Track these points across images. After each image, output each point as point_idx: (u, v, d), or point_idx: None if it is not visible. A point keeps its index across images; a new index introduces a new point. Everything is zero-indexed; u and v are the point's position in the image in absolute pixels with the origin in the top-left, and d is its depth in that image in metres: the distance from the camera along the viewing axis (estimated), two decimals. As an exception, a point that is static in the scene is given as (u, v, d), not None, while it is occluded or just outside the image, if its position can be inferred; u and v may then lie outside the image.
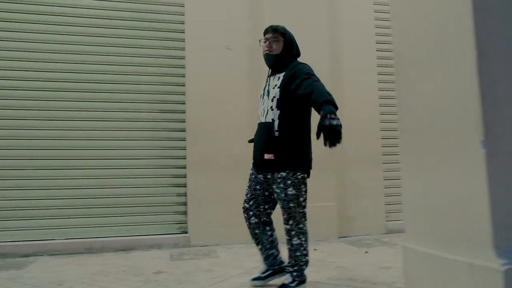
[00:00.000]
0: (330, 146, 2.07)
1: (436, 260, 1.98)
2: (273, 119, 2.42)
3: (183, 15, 4.61)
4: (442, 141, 1.98)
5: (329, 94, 2.21)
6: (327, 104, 2.14)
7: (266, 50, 2.54)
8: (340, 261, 3.54)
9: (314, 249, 4.06)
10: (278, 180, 2.43)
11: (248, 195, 2.62)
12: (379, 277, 2.95)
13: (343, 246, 4.22)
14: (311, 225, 4.62)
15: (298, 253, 2.48)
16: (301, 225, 2.48)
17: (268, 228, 2.66)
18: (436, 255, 1.99)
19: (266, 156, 2.42)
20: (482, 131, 1.72)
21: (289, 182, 2.40)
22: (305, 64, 2.54)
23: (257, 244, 2.68)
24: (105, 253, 4.05)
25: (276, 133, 2.40)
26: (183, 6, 4.61)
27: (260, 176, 2.55)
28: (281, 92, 2.42)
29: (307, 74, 2.39)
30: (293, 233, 2.45)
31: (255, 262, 3.43)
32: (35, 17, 4.26)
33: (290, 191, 2.40)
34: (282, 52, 2.54)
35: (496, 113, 1.74)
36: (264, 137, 2.45)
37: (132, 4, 4.51)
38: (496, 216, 1.66)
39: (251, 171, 2.65)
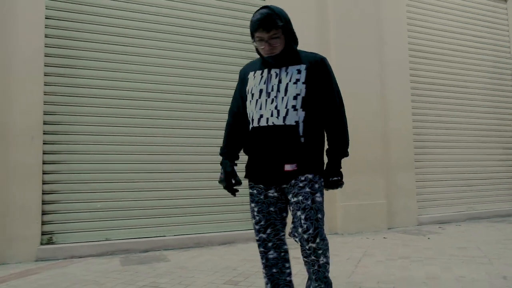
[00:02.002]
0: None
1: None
2: (296, 122, 1.92)
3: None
4: None
5: (348, 142, 2.08)
6: (338, 159, 2.04)
7: (268, 53, 1.97)
8: (422, 244, 4.48)
9: (384, 237, 4.97)
10: (301, 184, 1.91)
11: (262, 223, 2.04)
12: (471, 253, 3.94)
13: (400, 235, 5.18)
14: (366, 219, 5.67)
15: (327, 274, 1.98)
16: (326, 241, 1.96)
17: (287, 265, 2.12)
18: None
19: (288, 167, 1.92)
20: None
21: (316, 186, 1.93)
22: (328, 62, 2.09)
23: (270, 284, 2.10)
24: (213, 247, 4.56)
25: (302, 139, 1.92)
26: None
27: (271, 191, 2.02)
28: (307, 89, 1.95)
29: (337, 88, 2.08)
30: (320, 252, 1.91)
31: (364, 248, 4.24)
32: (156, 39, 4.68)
33: (318, 197, 1.92)
34: (286, 45, 1.98)
35: None
36: (284, 144, 1.92)
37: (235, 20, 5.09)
38: None
39: (253, 191, 2.08)
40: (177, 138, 4.77)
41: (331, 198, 5.25)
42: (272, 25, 1.89)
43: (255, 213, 2.07)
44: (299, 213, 1.89)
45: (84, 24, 4.45)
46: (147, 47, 4.70)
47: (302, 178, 1.91)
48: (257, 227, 2.07)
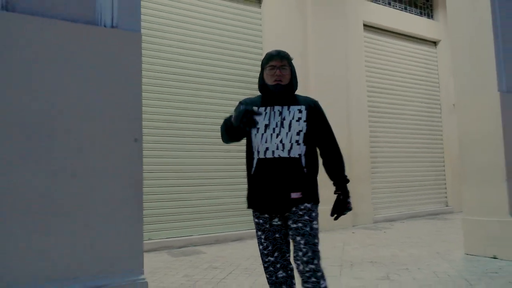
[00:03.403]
0: (337, 218, 2.31)
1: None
2: (300, 155, 2.16)
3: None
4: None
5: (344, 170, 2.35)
6: (346, 185, 2.30)
7: (277, 81, 2.21)
8: (381, 236, 6.20)
9: (353, 232, 6.65)
10: (301, 212, 2.13)
11: (270, 248, 2.21)
12: (415, 240, 5.70)
13: (364, 231, 6.88)
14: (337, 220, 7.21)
15: None
16: (322, 266, 2.14)
17: (294, 281, 2.28)
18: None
19: (294, 195, 2.13)
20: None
21: (314, 214, 2.16)
22: (319, 103, 2.39)
23: None
24: (228, 243, 5.94)
25: (305, 170, 2.17)
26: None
27: (275, 220, 2.20)
28: (307, 126, 2.20)
29: (330, 127, 2.39)
30: (319, 274, 2.09)
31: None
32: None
33: (315, 224, 2.15)
34: (290, 81, 2.27)
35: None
36: (289, 174, 2.14)
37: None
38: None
39: (258, 221, 2.24)
40: (199, 158, 6.11)
41: (312, 203, 6.84)
42: (285, 57, 2.24)
43: (262, 240, 2.22)
44: (298, 238, 2.10)
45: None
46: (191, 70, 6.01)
47: (302, 207, 2.13)
48: (265, 252, 2.21)
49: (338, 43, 7.49)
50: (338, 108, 7.30)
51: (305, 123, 2.20)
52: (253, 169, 2.21)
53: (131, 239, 2.18)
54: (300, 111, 2.22)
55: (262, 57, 6.86)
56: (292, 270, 2.26)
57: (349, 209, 2.29)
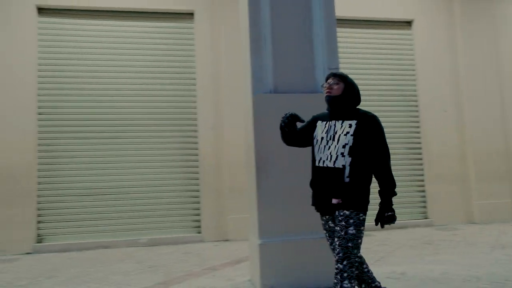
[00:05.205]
0: (382, 227, 2.46)
1: None
2: (343, 165, 2.42)
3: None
4: None
5: (394, 184, 2.47)
6: (388, 199, 2.43)
7: (326, 92, 2.55)
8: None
9: (511, 225, 7.18)
10: (340, 218, 2.42)
11: (329, 241, 2.64)
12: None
13: None
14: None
15: None
16: (354, 269, 2.38)
17: (364, 265, 2.73)
18: None
19: (334, 201, 2.44)
20: None
21: (351, 221, 2.41)
22: (379, 119, 2.55)
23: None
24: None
25: (347, 179, 2.42)
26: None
27: (330, 222, 2.57)
28: (354, 140, 2.43)
29: (384, 141, 2.50)
30: (345, 275, 2.34)
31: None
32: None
33: (351, 230, 2.39)
34: (342, 94, 2.53)
35: None
36: (332, 183, 2.44)
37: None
38: None
39: (322, 222, 2.65)
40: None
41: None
42: (336, 75, 2.58)
43: (327, 237, 2.64)
44: (336, 239, 2.43)
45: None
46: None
47: (341, 213, 2.41)
48: (331, 247, 2.64)
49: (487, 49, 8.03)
50: (491, 104, 7.91)
51: (352, 136, 2.43)
52: (311, 175, 2.63)
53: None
54: (350, 126, 2.47)
55: (415, 76, 7.21)
56: (361, 258, 2.69)
57: (388, 221, 2.43)
